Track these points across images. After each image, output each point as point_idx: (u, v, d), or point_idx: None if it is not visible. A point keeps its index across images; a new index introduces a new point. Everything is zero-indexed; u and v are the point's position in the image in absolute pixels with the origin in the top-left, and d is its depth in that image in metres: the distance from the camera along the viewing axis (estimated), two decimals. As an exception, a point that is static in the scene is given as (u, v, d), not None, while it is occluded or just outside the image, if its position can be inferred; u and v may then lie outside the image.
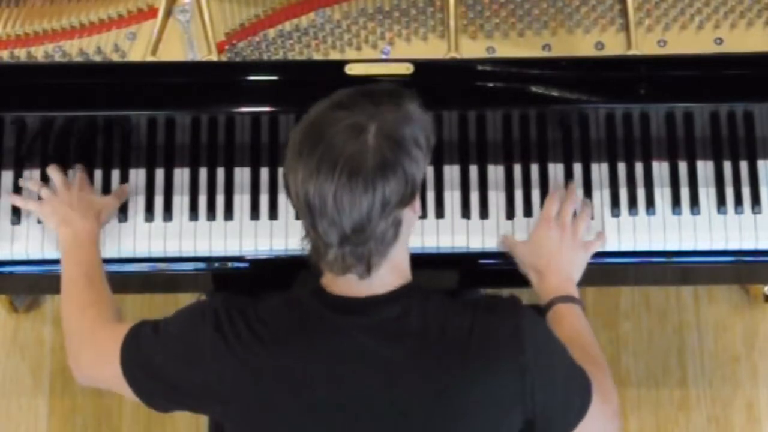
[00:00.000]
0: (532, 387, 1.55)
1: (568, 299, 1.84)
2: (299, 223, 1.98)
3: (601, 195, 2.01)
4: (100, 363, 1.70)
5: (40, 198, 1.98)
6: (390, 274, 1.58)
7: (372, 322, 1.56)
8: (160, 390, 1.63)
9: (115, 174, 2.02)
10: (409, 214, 1.56)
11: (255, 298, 1.64)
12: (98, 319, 1.75)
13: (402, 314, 1.56)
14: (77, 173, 1.98)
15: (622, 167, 2.01)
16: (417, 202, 1.57)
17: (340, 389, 1.54)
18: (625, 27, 2.03)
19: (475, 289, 2.32)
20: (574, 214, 1.96)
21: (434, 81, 1.96)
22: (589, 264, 2.01)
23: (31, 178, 2.01)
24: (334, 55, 2.02)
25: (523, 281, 2.18)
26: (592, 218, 1.99)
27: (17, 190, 2.02)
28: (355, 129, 1.48)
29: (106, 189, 2.02)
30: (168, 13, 2.05)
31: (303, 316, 1.58)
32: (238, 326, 1.57)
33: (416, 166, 1.52)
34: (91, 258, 1.87)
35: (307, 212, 1.50)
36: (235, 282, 2.05)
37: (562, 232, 1.92)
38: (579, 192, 2.00)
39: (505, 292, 2.48)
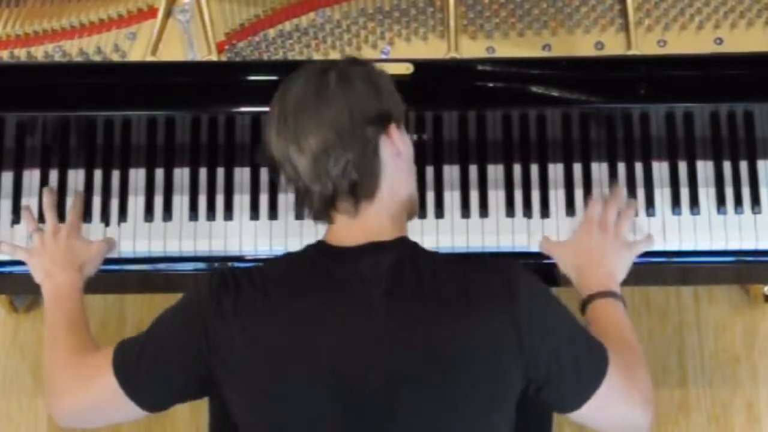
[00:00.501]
0: (529, 339, 1.55)
1: (608, 294, 1.83)
2: (299, 223, 1.99)
3: (601, 195, 2.00)
4: (87, 384, 1.67)
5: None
6: (387, 224, 1.63)
7: (366, 268, 1.58)
8: (160, 376, 1.62)
9: (115, 174, 2.02)
10: (388, 149, 1.61)
11: (253, 267, 1.66)
12: (81, 356, 1.73)
13: (396, 262, 1.59)
14: (69, 216, 1.98)
15: (622, 167, 2.01)
16: (398, 141, 1.63)
17: (339, 335, 1.55)
18: (625, 27, 2.03)
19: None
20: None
21: (434, 81, 1.96)
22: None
23: (30, 209, 2.00)
24: (334, 55, 2.02)
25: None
26: (636, 215, 1.98)
27: (17, 189, 2.02)
28: (317, 75, 1.60)
29: (106, 189, 2.01)
30: (168, 13, 2.05)
31: (304, 267, 1.61)
32: (243, 283, 1.59)
33: (379, 96, 1.60)
34: (73, 308, 1.86)
35: (284, 158, 1.58)
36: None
37: (605, 233, 1.92)
38: (578, 192, 2.00)
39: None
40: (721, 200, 2.00)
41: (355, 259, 1.60)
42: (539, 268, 2.04)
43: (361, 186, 1.60)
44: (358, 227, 1.62)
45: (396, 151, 1.63)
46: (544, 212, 2.00)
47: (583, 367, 1.61)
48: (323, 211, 1.64)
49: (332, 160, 1.57)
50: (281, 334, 1.56)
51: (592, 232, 1.92)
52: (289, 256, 1.68)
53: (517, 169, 2.02)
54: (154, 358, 1.62)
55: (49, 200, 1.99)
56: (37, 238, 1.96)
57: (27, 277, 2.05)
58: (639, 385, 1.67)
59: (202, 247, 2.00)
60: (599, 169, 2.02)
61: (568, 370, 1.59)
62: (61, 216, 1.99)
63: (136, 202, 2.01)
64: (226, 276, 1.61)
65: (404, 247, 1.64)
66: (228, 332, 1.56)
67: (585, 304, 1.84)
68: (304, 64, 1.67)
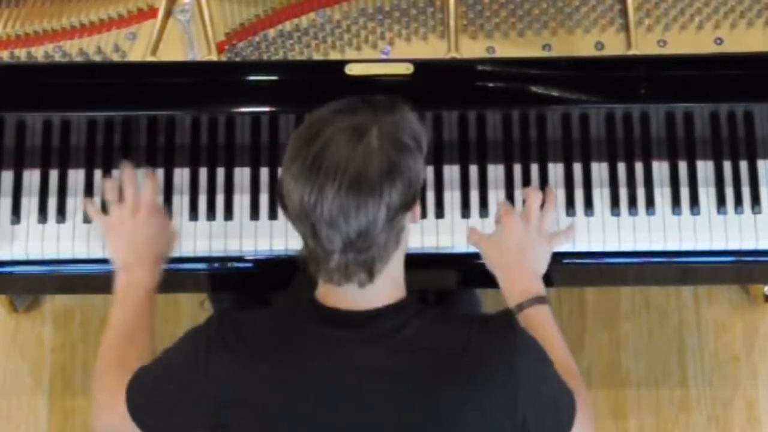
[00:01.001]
0: (523, 405, 1.54)
1: (537, 300, 1.82)
2: (299, 223, 1.98)
3: (601, 195, 2.01)
4: (110, 406, 1.68)
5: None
6: (387, 287, 1.57)
7: (367, 336, 1.54)
8: (163, 416, 1.61)
9: (116, 174, 2.02)
10: (409, 221, 1.56)
11: (251, 310, 1.62)
12: (116, 376, 1.71)
13: (398, 328, 1.55)
14: (147, 194, 1.90)
15: (622, 167, 2.01)
16: (417, 209, 1.57)
17: (333, 403, 1.53)
18: (625, 27, 2.03)
19: (473, 289, 2.33)
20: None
21: (434, 81, 1.96)
22: (590, 264, 2.01)
23: (77, 179, 1.96)
24: (334, 55, 2.02)
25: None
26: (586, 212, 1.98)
27: (17, 190, 2.02)
28: (357, 131, 1.47)
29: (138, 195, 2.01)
30: (168, 13, 2.05)
31: (297, 330, 1.56)
32: (234, 342, 1.56)
33: (417, 168, 1.52)
34: (138, 312, 1.81)
35: (305, 218, 1.48)
36: (235, 282, 2.05)
37: (527, 224, 1.90)
38: (578, 192, 2.00)
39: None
40: (721, 200, 2.00)
41: (354, 326, 1.55)
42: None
43: (379, 260, 1.53)
44: (358, 292, 1.55)
45: (414, 217, 1.57)
46: (544, 212, 1.99)
47: (562, 420, 1.62)
48: (332, 277, 1.53)
49: (362, 241, 1.48)
50: (274, 405, 1.53)
51: (515, 223, 1.89)
52: (280, 316, 1.61)
53: (517, 169, 2.02)
54: (159, 403, 1.62)
55: (129, 172, 1.92)
56: (115, 210, 1.89)
57: (27, 277, 2.05)
58: (587, 412, 1.69)
59: (202, 247, 2.00)
60: (599, 169, 2.02)
61: (549, 426, 1.60)
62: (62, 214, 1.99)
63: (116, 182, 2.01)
64: (216, 331, 1.58)
65: (405, 310, 1.57)
66: (222, 388, 1.55)
67: (515, 310, 1.82)
68: (336, 102, 1.54)
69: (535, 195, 1.91)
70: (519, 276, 1.86)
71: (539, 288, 1.85)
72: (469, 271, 2.05)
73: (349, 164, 1.45)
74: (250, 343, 1.56)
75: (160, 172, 2.02)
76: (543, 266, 1.89)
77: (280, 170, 1.56)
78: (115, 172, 1.98)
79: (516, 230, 1.89)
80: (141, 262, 1.85)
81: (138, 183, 1.92)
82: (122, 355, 1.74)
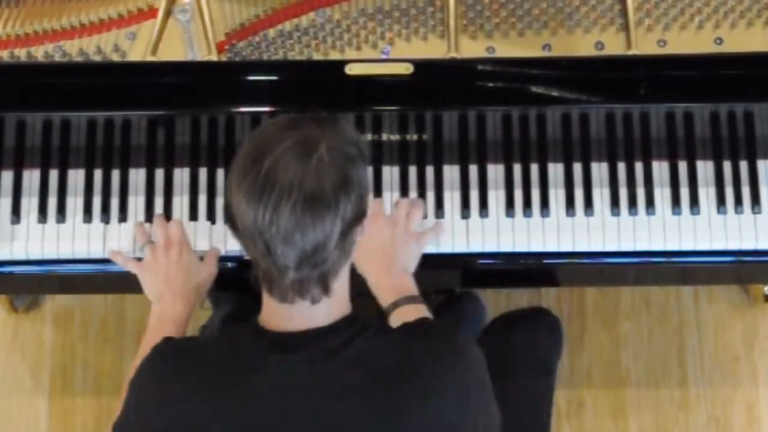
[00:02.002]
0: (474, 410, 1.56)
1: (410, 300, 1.83)
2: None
3: (601, 195, 2.01)
4: None
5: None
6: (333, 303, 1.56)
7: (313, 357, 1.53)
8: None
9: (115, 174, 2.02)
10: (359, 234, 1.55)
11: (196, 340, 1.62)
12: None
13: (343, 345, 1.54)
14: (176, 231, 1.92)
15: (622, 167, 2.01)
16: (366, 222, 1.55)
17: (285, 427, 1.52)
18: (625, 27, 2.03)
19: (473, 290, 2.33)
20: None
21: (434, 81, 1.96)
22: (590, 264, 2.01)
23: (141, 225, 1.97)
24: (334, 55, 2.02)
25: (522, 281, 2.18)
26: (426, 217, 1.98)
27: (17, 190, 2.02)
28: (306, 146, 1.47)
29: (106, 189, 2.01)
30: (168, 13, 2.05)
31: (243, 359, 1.55)
32: (180, 374, 1.55)
33: (365, 178, 1.52)
34: None
35: (259, 237, 1.47)
36: (234, 282, 2.05)
37: (394, 226, 1.91)
38: (578, 192, 2.00)
39: (504, 292, 2.49)
40: (721, 200, 2.00)
41: (298, 348, 1.54)
42: (540, 268, 2.04)
43: (332, 274, 1.53)
44: (304, 311, 1.54)
45: (361, 231, 1.55)
46: (545, 212, 2.00)
47: (495, 416, 1.64)
48: (286, 295, 1.52)
49: (318, 256, 1.48)
50: (214, 423, 1.52)
51: (381, 225, 1.90)
52: (226, 342, 1.60)
53: (517, 169, 2.02)
54: None
55: (158, 217, 1.96)
56: (149, 252, 1.92)
57: (27, 277, 2.05)
58: None
59: (202, 247, 2.00)
60: (599, 169, 2.02)
61: (491, 426, 1.62)
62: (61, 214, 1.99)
63: (136, 202, 2.01)
64: (160, 363, 1.58)
65: (349, 326, 1.57)
66: (166, 417, 1.54)
67: (389, 310, 1.83)
68: (278, 120, 1.53)
69: (404, 203, 1.94)
70: (389, 275, 1.86)
71: (411, 286, 1.86)
72: (470, 271, 2.05)
73: (304, 180, 1.45)
74: (196, 374, 1.55)
75: (160, 172, 2.02)
76: (412, 265, 1.90)
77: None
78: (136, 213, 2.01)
79: (382, 232, 1.89)
80: (174, 296, 1.88)
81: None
82: None
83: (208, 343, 1.60)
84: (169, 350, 1.60)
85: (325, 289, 1.52)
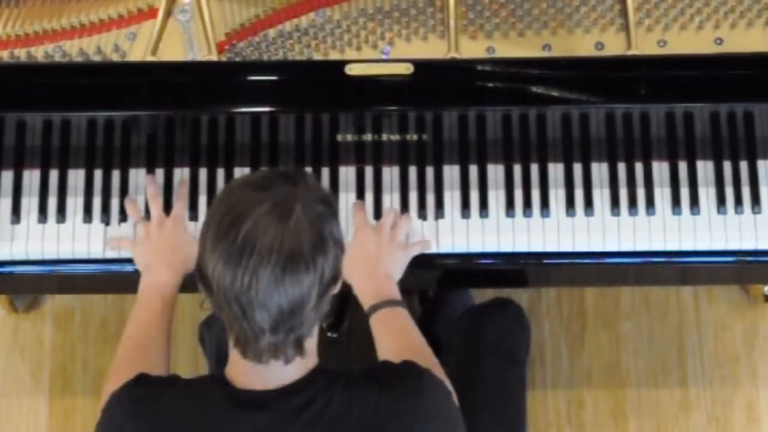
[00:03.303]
0: None
1: (390, 303, 1.83)
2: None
3: (601, 195, 2.01)
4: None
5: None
6: (302, 359, 1.55)
7: (279, 415, 1.53)
8: None
9: (115, 174, 2.02)
10: (334, 290, 1.55)
11: (163, 386, 1.61)
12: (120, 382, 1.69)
13: (309, 402, 1.54)
14: (176, 206, 1.96)
15: (622, 167, 2.01)
16: (340, 280, 1.55)
17: None
18: (625, 27, 2.03)
19: (468, 292, 2.33)
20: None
21: (434, 81, 1.96)
22: (589, 264, 2.01)
23: (134, 201, 1.99)
24: (334, 55, 2.02)
25: (522, 281, 2.18)
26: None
27: (17, 190, 2.02)
28: (282, 210, 1.46)
29: (106, 189, 2.01)
30: (168, 13, 2.05)
31: (207, 412, 1.55)
32: (144, 418, 1.56)
33: (339, 237, 1.52)
34: (149, 322, 1.83)
35: (235, 300, 1.46)
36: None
37: (380, 236, 1.92)
38: (578, 192, 2.00)
39: (504, 292, 2.48)
40: (721, 200, 2.00)
41: (264, 407, 1.54)
42: (540, 268, 2.04)
43: (308, 335, 1.53)
44: (273, 370, 1.54)
45: (336, 290, 1.55)
46: (545, 212, 2.00)
47: None
48: (261, 357, 1.51)
49: (295, 318, 1.47)
50: None
51: (367, 234, 1.92)
52: (192, 395, 1.59)
53: (517, 169, 2.02)
54: None
55: (153, 190, 1.98)
56: (141, 229, 1.95)
57: (27, 277, 2.05)
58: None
59: (202, 247, 2.00)
60: (599, 169, 2.02)
61: None
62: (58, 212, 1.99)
63: (135, 202, 2.01)
64: (138, 400, 1.58)
65: (314, 381, 1.56)
66: None
67: (369, 314, 1.83)
68: (249, 179, 1.53)
69: (390, 213, 1.96)
70: (372, 280, 1.88)
71: (393, 291, 1.87)
72: (470, 271, 2.05)
73: (283, 244, 1.44)
74: (160, 422, 1.55)
75: (160, 173, 2.02)
76: (398, 273, 1.92)
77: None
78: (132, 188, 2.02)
79: (368, 240, 1.91)
80: (162, 263, 1.89)
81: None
82: (131, 365, 1.72)
83: (174, 393, 1.58)
84: (137, 395, 1.59)
85: (300, 350, 1.52)
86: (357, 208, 1.97)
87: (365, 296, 1.87)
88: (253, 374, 1.55)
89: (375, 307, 1.84)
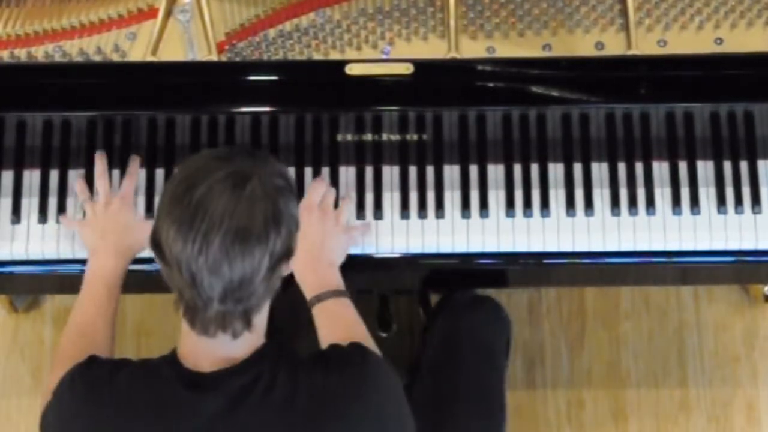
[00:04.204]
0: (390, 427, 1.58)
1: (334, 293, 1.83)
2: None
3: (601, 195, 2.01)
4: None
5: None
6: (250, 337, 1.56)
7: (226, 396, 1.54)
8: None
9: (116, 174, 2.02)
10: (286, 269, 1.55)
11: (116, 365, 1.61)
12: (60, 372, 1.68)
13: (254, 382, 1.54)
14: (123, 185, 1.94)
15: (622, 167, 2.01)
16: (292, 258, 1.56)
17: None
18: (625, 27, 2.03)
19: (471, 289, 2.33)
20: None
21: (434, 81, 1.96)
22: (590, 264, 2.01)
23: (83, 177, 1.98)
24: (334, 55, 2.02)
25: (521, 281, 2.18)
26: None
27: (17, 190, 2.02)
28: (238, 178, 1.47)
29: (109, 188, 2.01)
30: (168, 13, 2.05)
31: (157, 392, 1.56)
32: (94, 397, 1.57)
33: (296, 213, 1.53)
34: (95, 310, 1.83)
35: (185, 266, 1.46)
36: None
37: (324, 217, 1.91)
38: (578, 192, 2.00)
39: (504, 292, 2.48)
40: (721, 200, 2.00)
41: (210, 388, 1.54)
42: (540, 268, 2.04)
43: (256, 309, 1.53)
44: (222, 346, 1.54)
45: (287, 269, 1.56)
46: (545, 212, 2.00)
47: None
48: (208, 328, 1.52)
49: (244, 290, 1.48)
50: None
51: (312, 215, 1.90)
52: (143, 374, 1.59)
53: (517, 168, 2.02)
54: None
55: (101, 168, 1.97)
56: (88, 209, 1.94)
57: (27, 277, 2.05)
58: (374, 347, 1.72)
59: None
60: (599, 169, 2.02)
61: None
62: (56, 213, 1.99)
63: (136, 202, 2.01)
64: (90, 379, 1.59)
65: (260, 361, 1.56)
66: None
67: (312, 304, 1.83)
68: (210, 151, 1.56)
69: (319, 184, 1.93)
70: (316, 268, 1.86)
71: (337, 281, 1.86)
72: (470, 271, 2.05)
73: (235, 212, 1.45)
74: (111, 408, 1.56)
75: (160, 173, 2.02)
76: (340, 257, 1.90)
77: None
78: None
79: (313, 224, 1.89)
80: (107, 252, 1.88)
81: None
82: (74, 354, 1.72)
83: (126, 375, 1.59)
84: (90, 376, 1.60)
85: (248, 323, 1.52)
86: (313, 187, 1.93)
87: (308, 285, 1.84)
88: (202, 351, 1.55)
89: (319, 298, 1.82)
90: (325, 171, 2.01)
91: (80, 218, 1.97)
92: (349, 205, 1.97)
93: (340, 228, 1.92)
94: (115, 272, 1.87)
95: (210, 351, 1.55)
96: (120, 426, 1.55)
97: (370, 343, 1.75)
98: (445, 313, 2.13)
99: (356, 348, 1.64)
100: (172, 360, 1.58)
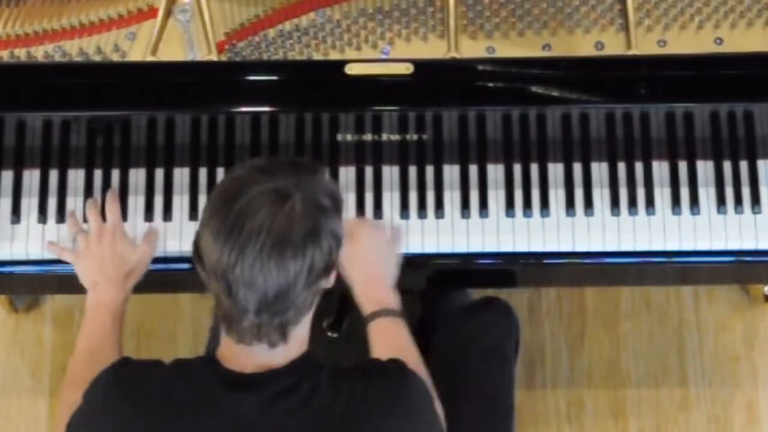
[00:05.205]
0: None
1: (390, 313, 1.83)
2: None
3: (601, 195, 2.01)
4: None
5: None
6: (292, 346, 1.57)
7: (264, 398, 1.54)
8: None
9: (115, 174, 2.02)
10: (326, 284, 1.56)
11: (153, 364, 1.62)
12: (75, 399, 1.68)
13: (294, 387, 1.55)
14: (110, 216, 1.94)
15: (622, 167, 2.01)
16: (333, 274, 1.57)
17: None
18: (625, 27, 2.03)
19: (468, 290, 2.33)
20: None
21: (434, 81, 1.96)
22: (589, 264, 2.01)
23: (77, 179, 1.99)
24: (334, 55, 2.02)
25: (521, 281, 2.18)
26: None
27: (17, 190, 2.02)
28: (279, 195, 1.48)
29: (106, 189, 2.01)
30: (168, 13, 2.05)
31: (195, 391, 1.56)
32: (132, 396, 1.56)
33: (338, 231, 1.53)
34: (102, 336, 1.84)
35: (222, 276, 1.47)
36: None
37: (382, 234, 1.91)
38: (578, 192, 2.00)
39: (504, 292, 2.48)
40: (721, 200, 2.00)
41: (251, 388, 1.55)
42: (540, 268, 2.04)
43: (293, 322, 1.54)
44: (262, 353, 1.55)
45: (327, 282, 1.57)
46: (545, 212, 2.00)
47: None
48: (244, 337, 1.53)
49: (279, 303, 1.49)
50: None
51: (370, 234, 1.90)
52: (180, 374, 1.59)
53: (517, 168, 2.02)
54: None
55: (91, 200, 1.97)
56: (81, 241, 1.94)
57: (27, 277, 2.05)
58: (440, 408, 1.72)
59: (202, 247, 2.00)
60: (599, 169, 2.02)
61: None
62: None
63: (136, 202, 2.01)
64: (127, 378, 1.59)
65: (302, 368, 1.57)
66: None
67: (368, 320, 1.83)
68: (255, 162, 1.55)
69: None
70: (374, 286, 1.87)
71: (395, 301, 1.86)
72: (470, 271, 2.05)
73: (273, 226, 1.46)
74: (150, 406, 1.56)
75: (160, 172, 2.02)
76: (396, 272, 1.91)
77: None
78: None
79: (370, 239, 1.89)
80: (109, 282, 1.89)
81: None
82: (85, 375, 1.71)
83: (164, 373, 1.59)
84: (125, 375, 1.60)
85: (284, 336, 1.53)
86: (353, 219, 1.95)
87: (366, 301, 1.86)
88: (242, 356, 1.56)
89: (375, 314, 1.83)
90: (325, 171, 2.01)
91: (71, 245, 1.97)
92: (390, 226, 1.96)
93: (397, 243, 1.93)
94: (118, 302, 1.88)
95: (251, 356, 1.56)
96: (157, 424, 1.55)
97: (419, 365, 1.76)
98: (454, 314, 2.13)
99: (396, 364, 1.64)
100: (211, 360, 1.59)
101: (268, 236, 1.46)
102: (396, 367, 1.64)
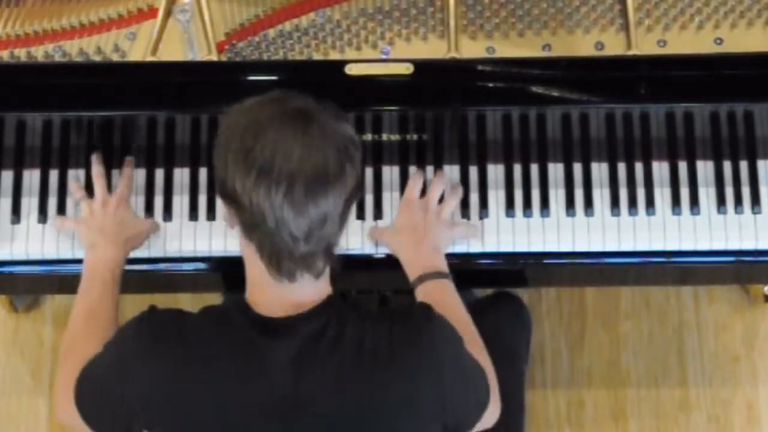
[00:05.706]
0: (450, 394, 1.59)
1: (437, 275, 1.85)
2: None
3: (601, 195, 2.01)
4: (66, 400, 1.71)
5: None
6: (320, 283, 1.59)
7: (295, 341, 1.56)
8: (108, 418, 1.63)
9: (115, 174, 2.02)
10: (355, 199, 1.59)
11: (183, 312, 1.63)
12: (79, 357, 1.71)
13: (322, 329, 1.57)
14: (120, 186, 1.97)
15: (622, 167, 2.01)
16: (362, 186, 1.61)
17: (272, 407, 1.55)
18: (625, 27, 2.03)
19: (471, 289, 2.33)
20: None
21: (434, 81, 1.96)
22: (590, 264, 2.01)
23: (77, 179, 2.00)
24: (334, 55, 2.02)
25: (522, 281, 2.18)
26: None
27: (17, 190, 2.02)
28: (301, 116, 1.51)
29: (107, 189, 2.01)
30: (168, 13, 2.05)
31: (230, 336, 1.58)
32: (165, 342, 1.58)
33: (354, 136, 1.56)
34: (102, 292, 1.85)
35: (269, 213, 1.49)
36: (236, 282, 2.05)
37: (426, 212, 1.93)
38: (578, 192, 2.00)
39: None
40: (721, 200, 2.00)
41: (281, 333, 1.57)
42: (540, 268, 2.05)
43: (333, 245, 1.57)
44: (291, 292, 1.58)
45: (357, 198, 1.60)
46: (545, 212, 2.00)
47: (479, 402, 1.68)
48: (294, 270, 1.56)
49: (326, 227, 1.52)
50: (203, 410, 1.56)
51: (413, 210, 1.93)
52: (215, 320, 1.62)
53: (517, 169, 2.02)
54: (96, 403, 1.65)
55: (97, 169, 1.98)
56: (85, 207, 1.96)
57: (27, 277, 2.05)
58: (494, 382, 1.74)
59: (202, 247, 2.00)
60: (599, 169, 2.02)
61: (470, 411, 1.67)
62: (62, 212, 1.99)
63: (136, 202, 2.01)
64: (147, 329, 1.60)
65: (328, 310, 1.60)
66: (148, 386, 1.57)
67: (415, 284, 1.85)
68: (263, 99, 1.58)
69: (439, 182, 1.96)
70: (420, 251, 1.89)
71: (441, 263, 1.88)
72: (470, 271, 2.05)
73: (311, 153, 1.48)
74: (183, 351, 1.57)
75: (160, 172, 2.02)
76: (445, 246, 1.93)
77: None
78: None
79: (415, 214, 1.92)
80: (107, 242, 1.89)
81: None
82: (83, 344, 1.74)
83: (195, 320, 1.61)
84: (156, 323, 1.62)
85: (329, 259, 1.57)
86: (413, 179, 1.97)
87: (412, 267, 1.88)
88: (276, 298, 1.58)
89: (422, 278, 1.85)
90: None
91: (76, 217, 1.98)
92: (454, 201, 1.97)
93: (443, 222, 1.94)
94: (117, 261, 1.89)
95: (283, 297, 1.58)
96: (192, 370, 1.56)
97: (471, 329, 1.78)
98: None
99: (422, 306, 1.66)
100: (241, 306, 1.60)
101: (309, 164, 1.48)
102: (421, 307, 1.66)
